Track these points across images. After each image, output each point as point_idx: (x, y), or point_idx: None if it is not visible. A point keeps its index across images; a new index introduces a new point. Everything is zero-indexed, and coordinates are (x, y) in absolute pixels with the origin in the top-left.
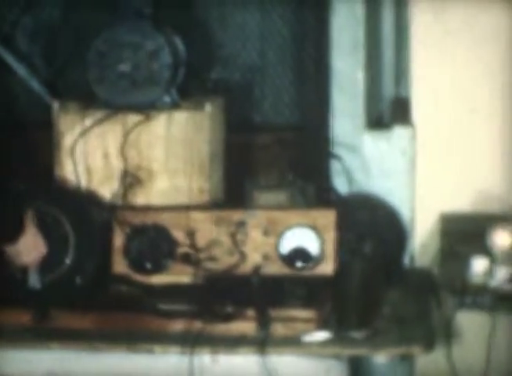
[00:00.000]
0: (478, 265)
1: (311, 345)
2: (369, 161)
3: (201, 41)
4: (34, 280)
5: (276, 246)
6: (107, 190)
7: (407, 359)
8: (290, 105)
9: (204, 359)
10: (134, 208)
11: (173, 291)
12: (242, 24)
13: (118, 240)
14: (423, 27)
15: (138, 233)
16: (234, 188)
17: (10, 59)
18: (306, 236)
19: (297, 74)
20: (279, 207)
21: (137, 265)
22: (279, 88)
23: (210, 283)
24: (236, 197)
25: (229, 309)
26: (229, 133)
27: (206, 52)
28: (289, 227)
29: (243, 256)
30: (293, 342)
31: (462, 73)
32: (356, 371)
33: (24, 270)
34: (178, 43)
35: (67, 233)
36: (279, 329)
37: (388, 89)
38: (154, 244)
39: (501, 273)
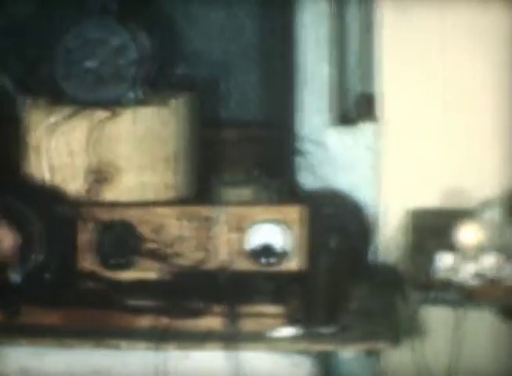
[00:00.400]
0: (444, 260)
1: (278, 340)
2: (335, 157)
3: (167, 37)
4: (15, 273)
5: (243, 242)
6: (74, 186)
7: (373, 354)
8: (257, 101)
9: (172, 354)
10: (101, 204)
11: (140, 287)
12: (208, 20)
13: (85, 236)
14: (390, 22)
15: (105, 229)
16: (201, 184)
17: None
18: (273, 231)
19: (263, 70)
20: (246, 202)
21: (104, 261)
22: (245, 85)
23: (178, 279)
24: (203, 192)
25: (197, 305)
26: (196, 129)
27: (172, 48)
28: (256, 223)
29: (210, 252)
30: (260, 338)
31: (430, 68)
32: (324, 366)
33: (2, 266)
34: (144, 39)
35: (35, 230)
36: (246, 325)
37: (354, 85)
38: (121, 240)
39: (466, 269)
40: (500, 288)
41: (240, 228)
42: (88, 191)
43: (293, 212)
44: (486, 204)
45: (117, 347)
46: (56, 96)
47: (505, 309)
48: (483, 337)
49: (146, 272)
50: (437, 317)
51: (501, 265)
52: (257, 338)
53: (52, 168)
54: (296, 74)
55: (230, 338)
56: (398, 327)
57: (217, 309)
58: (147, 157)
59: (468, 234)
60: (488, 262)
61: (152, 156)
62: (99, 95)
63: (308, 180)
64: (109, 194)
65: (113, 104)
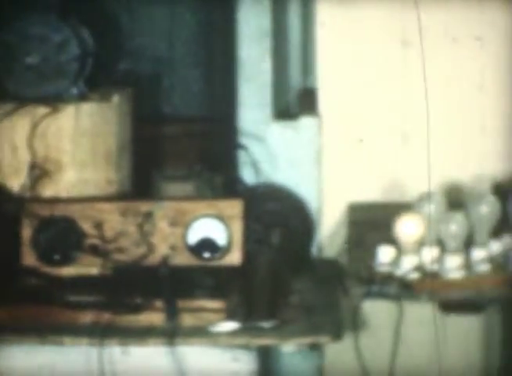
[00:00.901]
0: (384, 254)
1: (219, 335)
2: (276, 151)
3: (109, 33)
4: None
5: (184, 237)
6: (16, 182)
7: (315, 348)
8: (199, 96)
9: (114, 350)
10: (42, 200)
11: (82, 283)
12: (150, 15)
13: (27, 232)
14: (330, 17)
15: (46, 224)
16: (143, 179)
17: None
18: (213, 226)
19: (205, 66)
20: (187, 197)
21: (46, 257)
22: (187, 80)
23: (119, 274)
24: (145, 188)
25: (138, 300)
26: (138, 124)
27: (114, 43)
28: (196, 218)
29: (150, 247)
30: (201, 333)
31: (369, 63)
32: (265, 361)
33: None
34: (86, 35)
35: None
36: (187, 319)
37: (295, 80)
38: (63, 235)
39: (407, 262)
40: (439, 281)
41: (181, 223)
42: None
43: (233, 207)
44: (425, 198)
45: (60, 343)
46: None
47: (444, 301)
48: (423, 329)
49: (87, 267)
50: (378, 310)
51: (440, 258)
52: (198, 333)
53: None
54: (238, 69)
55: (171, 333)
56: (340, 321)
57: (158, 304)
58: (89, 153)
59: (408, 228)
60: (428, 255)
61: (93, 151)
62: (40, 91)
63: (249, 175)
64: (51, 190)
65: (55, 100)
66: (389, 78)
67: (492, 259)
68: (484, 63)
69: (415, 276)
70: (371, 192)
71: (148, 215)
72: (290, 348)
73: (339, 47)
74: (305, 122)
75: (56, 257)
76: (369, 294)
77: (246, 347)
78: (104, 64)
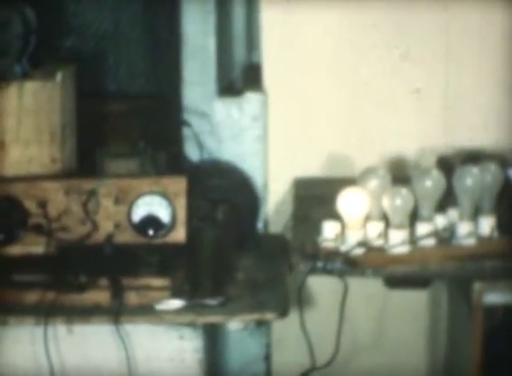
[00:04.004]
0: (329, 229)
1: (165, 313)
2: (220, 128)
3: (53, 10)
4: None
5: (128, 214)
6: None
7: (262, 325)
8: (144, 73)
9: (59, 329)
10: None
11: (26, 262)
12: None
13: None
14: None
15: None
16: (87, 157)
17: None
18: (157, 203)
19: (149, 43)
20: (131, 175)
21: None
22: (132, 57)
23: (63, 253)
24: (89, 165)
25: (83, 279)
26: (83, 102)
27: (58, 20)
28: (140, 195)
29: (94, 225)
30: (147, 311)
31: (313, 39)
32: (212, 338)
33: None
34: (29, 12)
35: None
36: (132, 298)
37: (240, 56)
38: (6, 214)
39: (351, 237)
40: (384, 256)
41: (125, 200)
42: None
43: (177, 184)
44: (369, 172)
45: (5, 323)
46: None
47: (389, 277)
48: (369, 305)
49: (32, 247)
50: (323, 286)
51: (385, 233)
52: (144, 311)
53: None
54: (182, 45)
55: (116, 312)
56: (286, 298)
57: (103, 282)
58: (33, 131)
59: (352, 203)
60: (373, 230)
61: (38, 130)
62: None
63: (194, 152)
64: None
65: None
66: (334, 53)
67: (436, 234)
68: None
69: (360, 251)
70: (317, 167)
71: (92, 193)
72: (236, 326)
73: (284, 21)
74: (250, 98)
75: (0, 236)
76: (314, 270)
77: (191, 325)
78: (48, 42)
